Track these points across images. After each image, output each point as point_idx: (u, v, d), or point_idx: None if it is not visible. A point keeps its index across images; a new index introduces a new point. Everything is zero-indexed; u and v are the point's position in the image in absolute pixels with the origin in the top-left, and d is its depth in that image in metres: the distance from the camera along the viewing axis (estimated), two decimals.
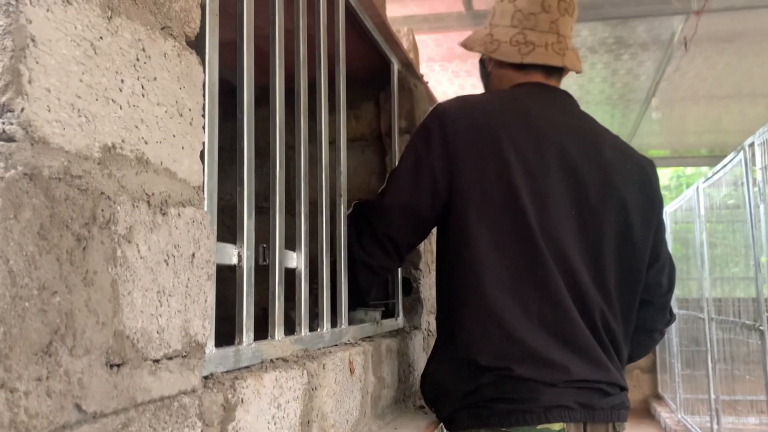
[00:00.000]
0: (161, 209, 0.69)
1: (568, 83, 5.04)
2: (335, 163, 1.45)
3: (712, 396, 4.93)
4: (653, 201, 1.49)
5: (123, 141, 0.64)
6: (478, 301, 1.30)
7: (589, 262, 1.36)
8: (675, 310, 6.40)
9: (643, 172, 1.50)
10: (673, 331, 6.51)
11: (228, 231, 1.04)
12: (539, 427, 1.24)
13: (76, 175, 0.57)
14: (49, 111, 0.55)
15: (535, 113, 1.41)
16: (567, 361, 1.28)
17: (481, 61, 1.65)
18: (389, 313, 1.80)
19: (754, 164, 3.58)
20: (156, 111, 0.70)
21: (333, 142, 1.44)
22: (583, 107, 1.55)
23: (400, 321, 1.82)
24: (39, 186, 0.53)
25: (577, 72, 1.55)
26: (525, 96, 1.47)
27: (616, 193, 1.40)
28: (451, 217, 1.36)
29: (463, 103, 1.44)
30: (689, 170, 10.71)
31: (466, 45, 1.61)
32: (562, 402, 1.26)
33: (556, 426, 1.24)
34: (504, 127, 1.37)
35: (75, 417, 0.55)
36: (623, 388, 1.36)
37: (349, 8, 1.52)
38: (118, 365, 0.61)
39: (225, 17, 0.94)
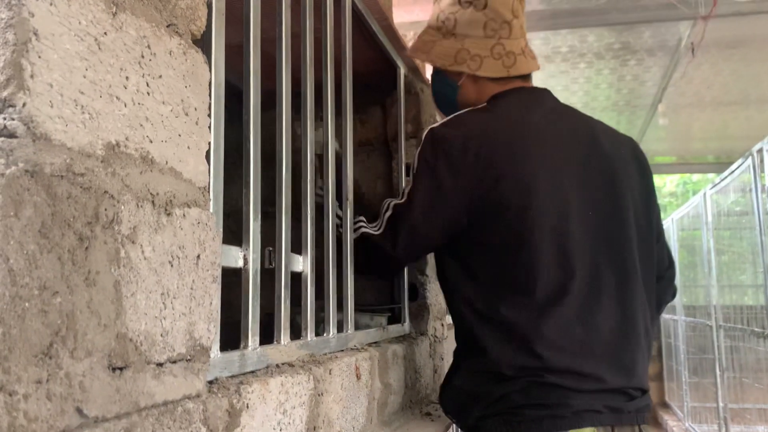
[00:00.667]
0: (166, 209, 0.68)
1: (574, 89, 5.02)
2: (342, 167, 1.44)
3: (720, 404, 4.89)
4: (648, 179, 1.50)
5: (127, 139, 0.63)
6: (509, 321, 1.27)
7: (618, 261, 1.35)
8: (681, 317, 6.35)
9: (634, 153, 1.50)
10: (680, 338, 6.47)
11: (233, 236, 1.03)
12: None
13: (79, 172, 0.56)
14: (51, 107, 0.53)
15: (536, 123, 1.38)
16: (600, 372, 1.27)
17: (439, 72, 1.54)
18: (395, 318, 1.78)
19: (762, 170, 3.56)
20: (161, 109, 0.68)
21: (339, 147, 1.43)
22: (589, 113, 1.53)
23: (406, 327, 1.80)
24: (40, 183, 0.51)
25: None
26: (517, 107, 1.42)
27: (623, 183, 1.40)
28: (475, 241, 1.33)
29: (463, 128, 1.36)
30: (696, 177, 10.67)
31: (434, 62, 1.50)
32: (592, 406, 1.25)
33: (586, 430, 1.23)
34: (513, 145, 1.33)
35: (76, 421, 0.54)
36: (646, 391, 1.35)
37: (356, 12, 1.51)
38: (121, 368, 0.60)
39: (231, 20, 0.92)
